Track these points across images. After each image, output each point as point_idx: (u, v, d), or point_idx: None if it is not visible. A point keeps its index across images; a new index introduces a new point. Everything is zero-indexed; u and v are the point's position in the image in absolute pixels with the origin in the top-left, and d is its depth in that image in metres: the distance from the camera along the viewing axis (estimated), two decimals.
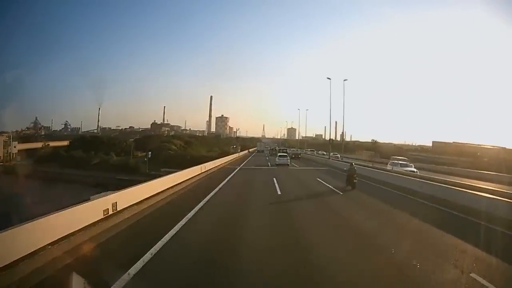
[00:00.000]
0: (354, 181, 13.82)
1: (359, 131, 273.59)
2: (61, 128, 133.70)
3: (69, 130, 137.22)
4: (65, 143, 54.80)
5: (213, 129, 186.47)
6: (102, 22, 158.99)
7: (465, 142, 48.83)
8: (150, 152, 36.10)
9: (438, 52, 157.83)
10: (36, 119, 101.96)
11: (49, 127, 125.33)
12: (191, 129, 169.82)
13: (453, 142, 51.64)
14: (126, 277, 4.22)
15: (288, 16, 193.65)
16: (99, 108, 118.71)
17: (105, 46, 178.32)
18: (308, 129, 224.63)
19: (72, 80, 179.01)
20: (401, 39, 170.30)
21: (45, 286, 4.12)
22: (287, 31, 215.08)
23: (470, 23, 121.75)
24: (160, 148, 48.30)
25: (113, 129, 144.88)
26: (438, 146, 49.43)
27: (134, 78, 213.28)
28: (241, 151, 58.91)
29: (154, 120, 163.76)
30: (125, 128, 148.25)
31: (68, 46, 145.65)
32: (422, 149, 61.90)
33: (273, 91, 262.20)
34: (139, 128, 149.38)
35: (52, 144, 54.26)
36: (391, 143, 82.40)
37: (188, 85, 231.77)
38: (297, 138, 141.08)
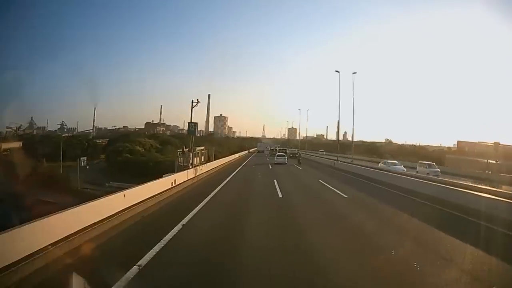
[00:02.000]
0: (300, 160, 37.16)
1: (363, 131, 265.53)
2: (57, 129, 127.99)
3: (65, 130, 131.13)
4: (17, 145, 46.54)
5: (211, 129, 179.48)
6: (99, 22, 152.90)
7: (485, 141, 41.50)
8: (84, 158, 26.92)
9: (437, 52, 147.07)
10: (31, 119, 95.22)
11: (45, 127, 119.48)
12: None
13: (479, 142, 43.87)
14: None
15: (289, 15, 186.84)
16: (95, 108, 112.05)
17: (102, 45, 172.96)
18: (309, 129, 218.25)
19: (70, 80, 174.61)
20: (406, 38, 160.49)
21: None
22: (287, 30, 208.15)
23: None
24: (117, 151, 38.43)
25: (110, 129, 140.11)
26: (464, 147, 40.24)
27: (133, 77, 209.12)
28: (224, 156, 36.81)
29: (152, 120, 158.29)
30: (119, 128, 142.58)
31: (64, 45, 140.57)
32: (450, 150, 51.74)
33: (273, 91, 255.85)
34: (135, 128, 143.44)
35: (4, 146, 46.07)
36: (395, 144, 72.32)
37: (188, 85, 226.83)
38: (297, 138, 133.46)
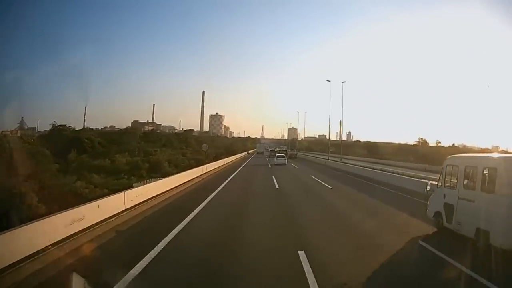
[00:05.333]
0: (295, 156, 51.52)
1: (364, 131, 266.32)
2: (48, 129, 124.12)
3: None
4: None
5: (206, 128, 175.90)
6: (95, 21, 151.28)
7: None
8: None
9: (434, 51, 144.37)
10: (22, 119, 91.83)
11: (35, 127, 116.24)
12: (183, 129, 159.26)
13: None
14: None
15: (289, 15, 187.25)
16: (85, 107, 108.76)
17: (97, 45, 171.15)
18: (309, 129, 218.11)
19: (63, 80, 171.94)
20: (403, 38, 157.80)
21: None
22: (287, 29, 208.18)
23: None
24: None
25: (100, 129, 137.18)
26: None
27: (131, 78, 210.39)
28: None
29: (147, 120, 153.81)
30: (105, 127, 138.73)
31: (56, 45, 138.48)
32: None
33: (272, 91, 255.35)
34: (126, 127, 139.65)
35: None
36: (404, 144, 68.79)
37: (186, 85, 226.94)
38: (299, 138, 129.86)
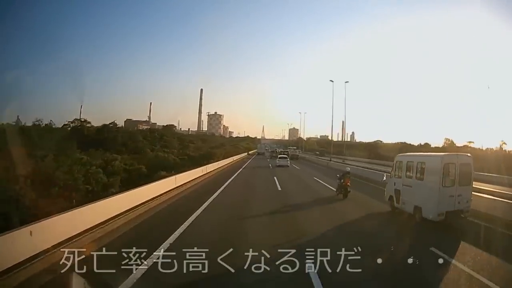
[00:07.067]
0: (296, 157, 51.91)
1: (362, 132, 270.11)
2: None
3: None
4: None
5: (205, 127, 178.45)
6: (94, 21, 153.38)
7: None
8: None
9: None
10: (17, 118, 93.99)
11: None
12: (181, 128, 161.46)
13: None
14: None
15: (290, 14, 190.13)
16: (81, 106, 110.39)
17: (98, 43, 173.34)
18: (311, 129, 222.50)
19: (62, 79, 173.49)
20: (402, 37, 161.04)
21: None
22: (288, 30, 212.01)
23: None
24: None
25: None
26: None
27: (129, 77, 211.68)
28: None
29: (148, 118, 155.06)
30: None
31: (53, 44, 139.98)
32: None
33: (273, 92, 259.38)
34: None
35: None
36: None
37: (186, 85, 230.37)
38: (304, 139, 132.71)
